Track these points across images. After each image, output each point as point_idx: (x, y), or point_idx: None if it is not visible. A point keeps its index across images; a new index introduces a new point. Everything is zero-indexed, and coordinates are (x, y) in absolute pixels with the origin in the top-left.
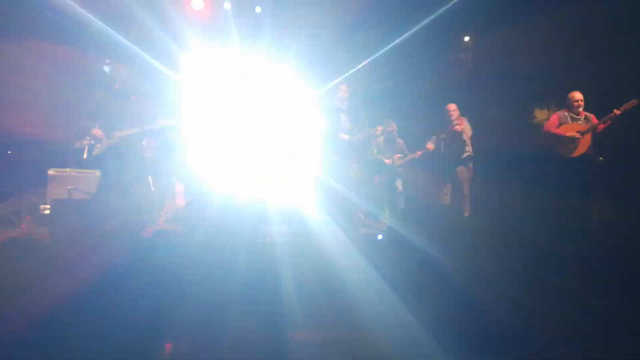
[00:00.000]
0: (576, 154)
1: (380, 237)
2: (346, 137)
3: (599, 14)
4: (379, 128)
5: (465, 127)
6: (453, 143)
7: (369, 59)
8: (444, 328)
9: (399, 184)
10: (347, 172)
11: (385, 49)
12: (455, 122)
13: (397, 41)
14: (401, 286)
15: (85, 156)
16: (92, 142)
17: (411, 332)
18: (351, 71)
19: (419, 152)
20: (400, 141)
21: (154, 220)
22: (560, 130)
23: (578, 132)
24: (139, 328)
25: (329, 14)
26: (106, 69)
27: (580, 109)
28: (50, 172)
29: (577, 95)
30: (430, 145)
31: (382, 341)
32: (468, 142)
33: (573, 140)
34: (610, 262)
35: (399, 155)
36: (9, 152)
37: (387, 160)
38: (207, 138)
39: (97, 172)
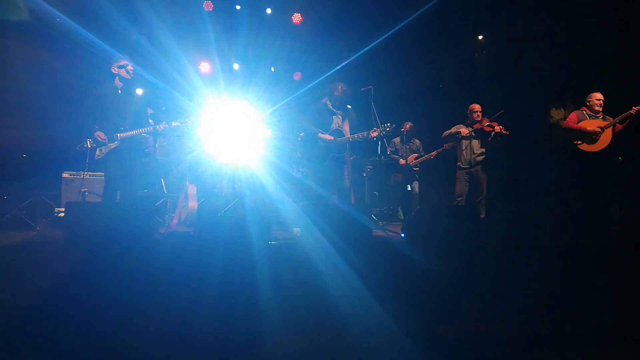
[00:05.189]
0: (597, 148)
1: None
2: (328, 137)
3: None
4: (375, 130)
5: (496, 129)
6: (477, 143)
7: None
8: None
9: (415, 185)
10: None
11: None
12: (485, 123)
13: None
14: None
15: (87, 160)
16: (94, 145)
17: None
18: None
19: (434, 152)
20: (417, 141)
21: (166, 222)
22: (581, 125)
23: (599, 127)
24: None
25: None
26: (113, 69)
27: (600, 109)
28: (65, 175)
29: (599, 95)
30: (447, 146)
31: None
32: (491, 142)
33: (593, 135)
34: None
35: (415, 155)
36: (24, 155)
37: (402, 161)
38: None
39: None
